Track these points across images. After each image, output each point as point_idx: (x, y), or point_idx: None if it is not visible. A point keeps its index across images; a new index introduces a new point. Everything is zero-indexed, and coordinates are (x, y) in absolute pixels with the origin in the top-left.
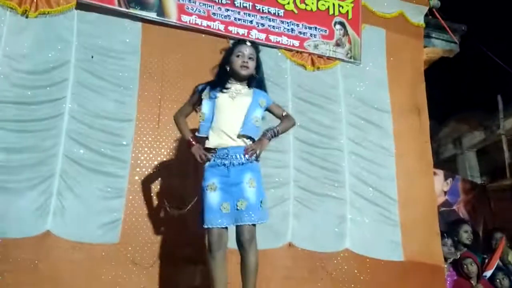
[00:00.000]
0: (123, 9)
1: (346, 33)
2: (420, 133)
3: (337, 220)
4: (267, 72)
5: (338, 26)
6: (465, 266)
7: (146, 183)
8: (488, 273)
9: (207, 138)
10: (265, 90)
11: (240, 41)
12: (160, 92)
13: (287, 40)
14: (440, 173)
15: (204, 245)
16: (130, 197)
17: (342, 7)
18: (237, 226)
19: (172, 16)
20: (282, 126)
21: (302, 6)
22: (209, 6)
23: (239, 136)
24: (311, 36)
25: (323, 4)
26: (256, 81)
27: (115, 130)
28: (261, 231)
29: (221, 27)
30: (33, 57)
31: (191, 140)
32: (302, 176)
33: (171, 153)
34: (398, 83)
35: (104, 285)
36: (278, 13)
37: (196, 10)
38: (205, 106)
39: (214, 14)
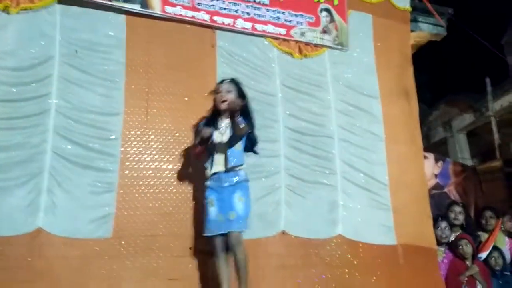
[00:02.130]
0: (106, 1)
1: (332, 19)
2: (410, 117)
3: (329, 206)
4: (254, 62)
5: (324, 13)
6: (460, 247)
7: (136, 176)
8: (483, 255)
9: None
10: (249, 115)
11: (220, 82)
12: (147, 85)
13: (273, 29)
14: (431, 156)
15: (197, 237)
16: (121, 191)
17: None
18: (228, 233)
19: (156, 8)
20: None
21: None
22: None
23: (228, 168)
24: (298, 24)
25: None
26: (243, 110)
27: (102, 124)
28: (254, 220)
29: (206, 17)
30: (17, 54)
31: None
32: (293, 164)
33: (160, 146)
34: (386, 68)
35: (99, 280)
36: (263, 2)
37: (180, 0)
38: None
39: (198, 4)
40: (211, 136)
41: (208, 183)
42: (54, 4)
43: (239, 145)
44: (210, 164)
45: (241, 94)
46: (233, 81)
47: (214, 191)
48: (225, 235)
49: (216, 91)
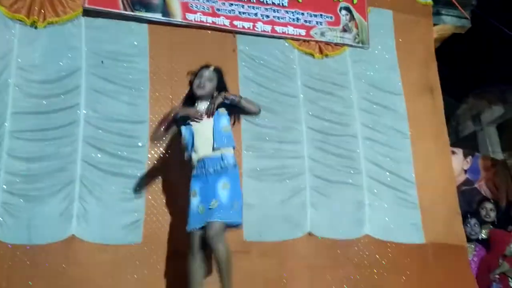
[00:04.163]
0: (129, 12)
1: (352, 17)
2: (435, 113)
3: (355, 206)
4: (275, 64)
5: (343, 12)
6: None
7: (163, 181)
8: None
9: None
10: (230, 107)
11: (202, 66)
12: (171, 92)
13: (293, 30)
14: (459, 151)
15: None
16: (150, 197)
17: None
18: (207, 223)
19: (177, 15)
20: (244, 99)
21: None
22: (213, 2)
23: (214, 150)
24: (317, 24)
25: None
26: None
27: (129, 132)
28: (280, 222)
29: (226, 22)
30: (45, 67)
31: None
32: (317, 165)
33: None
34: (409, 64)
35: (131, 285)
36: (282, 3)
37: (200, 7)
38: (184, 132)
39: (218, 9)
40: (176, 117)
41: (194, 172)
42: (79, 17)
43: (227, 127)
44: (192, 151)
45: (220, 87)
46: (217, 71)
47: (198, 180)
48: (204, 229)
49: (196, 75)
